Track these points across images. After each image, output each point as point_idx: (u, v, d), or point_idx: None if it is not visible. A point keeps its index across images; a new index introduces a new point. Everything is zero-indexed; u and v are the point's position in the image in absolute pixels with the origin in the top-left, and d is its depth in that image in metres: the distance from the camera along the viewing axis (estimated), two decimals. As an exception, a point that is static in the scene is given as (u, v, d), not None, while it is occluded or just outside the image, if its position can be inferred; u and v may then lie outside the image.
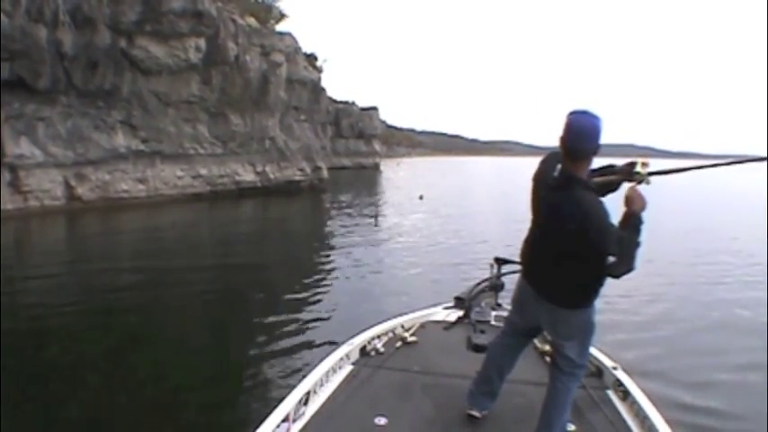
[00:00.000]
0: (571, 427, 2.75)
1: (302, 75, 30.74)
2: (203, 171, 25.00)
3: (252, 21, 27.25)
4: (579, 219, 2.30)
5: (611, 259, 2.36)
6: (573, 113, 2.37)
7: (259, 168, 27.68)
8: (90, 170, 20.70)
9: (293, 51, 29.67)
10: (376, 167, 69.09)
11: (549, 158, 2.54)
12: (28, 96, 18.34)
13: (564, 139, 2.38)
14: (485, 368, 2.88)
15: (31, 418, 4.59)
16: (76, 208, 19.67)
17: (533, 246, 2.65)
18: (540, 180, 2.54)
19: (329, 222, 19.54)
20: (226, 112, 25.24)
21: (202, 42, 22.45)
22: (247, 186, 27.05)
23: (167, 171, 23.56)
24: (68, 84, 19.45)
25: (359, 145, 71.19)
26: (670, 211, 19.74)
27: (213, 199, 24.76)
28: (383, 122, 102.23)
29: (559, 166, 2.40)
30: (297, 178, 29.48)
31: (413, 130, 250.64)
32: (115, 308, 8.04)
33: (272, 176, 28.11)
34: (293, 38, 30.09)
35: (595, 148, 2.36)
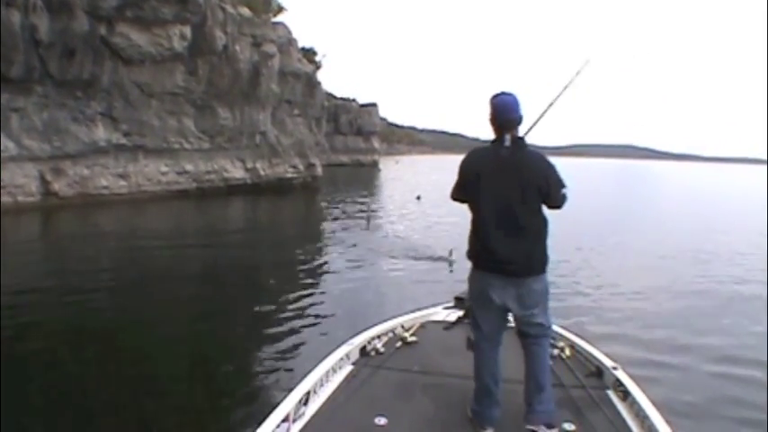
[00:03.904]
0: (571, 426, 2.75)
1: (296, 67, 29.57)
2: (189, 167, 23.97)
3: (245, 10, 26.13)
4: (545, 169, 2.80)
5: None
6: (498, 95, 2.86)
7: (249, 164, 26.70)
8: (68, 164, 19.72)
9: (286, 42, 28.52)
10: (374, 165, 68.64)
11: (478, 150, 2.96)
12: (0, 86, 17.20)
13: (501, 114, 2.81)
14: (482, 382, 2.88)
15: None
16: (53, 204, 18.77)
17: (491, 230, 2.80)
18: (486, 165, 2.83)
19: (323, 222, 18.90)
20: (213, 104, 24.18)
21: (187, 30, 21.36)
22: (236, 183, 26.10)
23: (151, 166, 22.53)
24: (44, 73, 18.40)
25: (357, 142, 70.59)
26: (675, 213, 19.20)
27: (200, 196, 23.90)
28: (383, 120, 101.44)
29: (508, 137, 2.77)
30: (289, 175, 28.52)
31: (414, 128, 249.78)
32: (101, 313, 7.73)
33: (262, 173, 27.13)
34: (287, 28, 28.95)
35: (521, 117, 2.84)
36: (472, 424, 2.91)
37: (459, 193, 2.98)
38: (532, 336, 2.86)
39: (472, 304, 3.03)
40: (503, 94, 2.88)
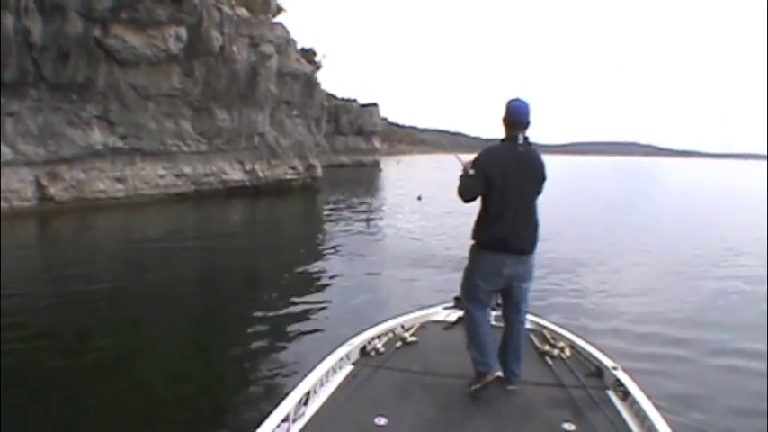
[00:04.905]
0: (571, 426, 2.75)
1: (294, 67, 29.23)
2: (187, 169, 23.65)
3: (242, 11, 25.85)
4: (541, 163, 3.39)
5: None
6: (514, 100, 3.35)
7: (248, 167, 26.36)
8: (64, 169, 19.43)
9: (284, 42, 28.15)
10: (375, 165, 68.43)
11: (497, 148, 3.37)
12: (-4, 90, 17.00)
13: (514, 116, 3.32)
14: (485, 338, 3.27)
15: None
16: (49, 209, 18.55)
17: (506, 214, 3.24)
18: (507, 160, 3.27)
19: (323, 224, 18.71)
20: (211, 106, 23.82)
21: (183, 31, 21.02)
22: (235, 186, 25.77)
23: (148, 169, 22.22)
24: (38, 76, 18.12)
25: (358, 142, 70.35)
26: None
27: (198, 199, 23.67)
28: (384, 120, 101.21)
29: (520, 136, 3.29)
30: (288, 177, 28.19)
31: (415, 128, 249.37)
32: (98, 314, 7.71)
33: (261, 175, 26.80)
34: (284, 28, 28.60)
35: (530, 122, 3.33)
36: (480, 378, 3.12)
37: (479, 188, 3.27)
38: (522, 311, 3.39)
39: (481, 281, 3.34)
40: (518, 100, 3.36)
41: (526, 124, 3.31)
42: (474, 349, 3.27)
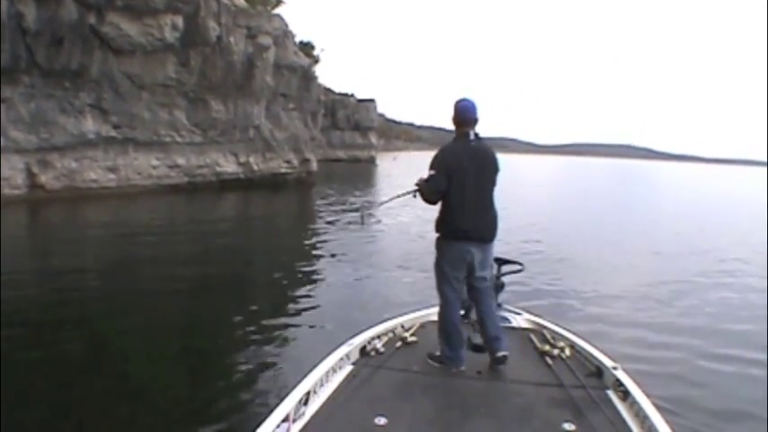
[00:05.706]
0: (571, 426, 2.74)
1: (291, 60, 28.96)
2: (181, 160, 23.40)
3: (240, 1, 25.59)
4: (494, 156, 3.66)
5: None
6: (462, 101, 3.61)
7: (242, 159, 26.12)
8: (55, 157, 19.17)
9: (282, 34, 27.88)
10: (371, 160, 68.26)
11: (452, 146, 3.64)
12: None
13: (464, 115, 3.58)
14: (454, 326, 3.55)
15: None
16: (39, 198, 18.32)
17: (468, 208, 3.49)
18: (462, 155, 3.52)
19: (317, 219, 18.54)
20: (206, 97, 23.56)
21: (179, 20, 20.77)
22: (229, 178, 25.54)
23: (141, 160, 21.97)
24: (31, 62, 17.84)
25: (355, 137, 70.23)
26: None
27: (191, 191, 23.46)
28: (381, 116, 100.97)
29: (472, 133, 3.56)
30: (283, 171, 27.96)
31: (412, 125, 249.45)
32: (89, 313, 7.49)
33: (256, 168, 26.58)
34: (282, 20, 28.32)
35: (478, 118, 3.59)
36: (443, 370, 3.42)
37: (443, 184, 3.45)
38: (484, 289, 3.66)
39: (448, 269, 3.60)
40: (465, 100, 3.61)
41: (475, 121, 3.57)
42: (442, 341, 3.56)
